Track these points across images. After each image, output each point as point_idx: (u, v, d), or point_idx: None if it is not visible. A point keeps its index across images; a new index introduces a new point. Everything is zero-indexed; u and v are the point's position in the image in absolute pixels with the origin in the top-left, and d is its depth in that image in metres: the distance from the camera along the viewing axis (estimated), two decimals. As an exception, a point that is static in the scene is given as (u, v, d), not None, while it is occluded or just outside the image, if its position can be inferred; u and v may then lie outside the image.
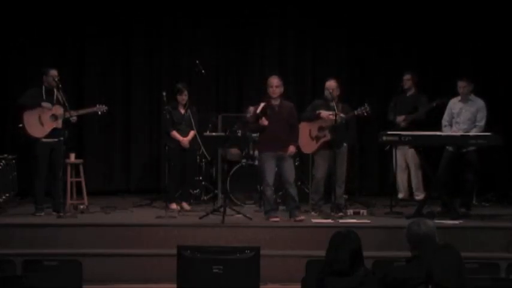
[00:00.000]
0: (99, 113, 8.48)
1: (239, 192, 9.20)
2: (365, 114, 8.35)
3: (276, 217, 7.88)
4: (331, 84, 8.46)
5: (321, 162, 8.46)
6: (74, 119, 8.21)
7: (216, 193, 9.37)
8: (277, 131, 7.87)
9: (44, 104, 8.09)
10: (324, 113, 8.34)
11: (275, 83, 7.96)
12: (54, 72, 8.15)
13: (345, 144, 8.52)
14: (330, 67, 10.51)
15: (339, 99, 8.49)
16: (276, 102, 7.98)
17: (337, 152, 8.36)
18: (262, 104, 7.97)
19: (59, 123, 8.15)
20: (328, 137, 8.38)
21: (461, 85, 8.42)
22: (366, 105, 8.32)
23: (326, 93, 8.43)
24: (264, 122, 7.91)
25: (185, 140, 8.67)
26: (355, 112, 8.33)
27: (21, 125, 8.11)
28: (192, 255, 5.71)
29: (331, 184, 8.47)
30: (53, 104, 8.14)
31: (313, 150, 8.50)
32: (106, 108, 8.49)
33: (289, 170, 7.92)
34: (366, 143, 10.47)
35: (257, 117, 7.97)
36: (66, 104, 8.14)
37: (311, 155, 8.81)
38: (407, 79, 9.39)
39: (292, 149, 7.95)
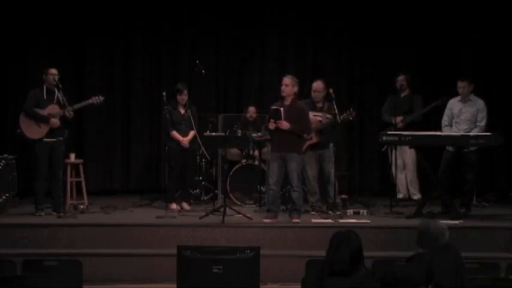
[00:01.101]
0: (96, 103, 8.40)
1: (239, 192, 9.21)
2: (350, 118, 8.37)
3: (268, 218, 7.86)
4: (318, 85, 8.47)
5: (309, 162, 8.47)
6: (70, 114, 8.19)
7: (216, 193, 9.37)
8: (283, 132, 7.82)
9: (52, 121, 8.07)
10: (310, 115, 8.34)
11: (284, 82, 7.89)
12: (53, 71, 8.15)
13: (331, 145, 8.52)
14: (330, 67, 10.52)
15: (325, 99, 8.48)
16: (286, 103, 7.92)
17: (324, 152, 8.39)
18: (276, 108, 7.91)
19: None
20: (314, 139, 8.38)
21: (461, 85, 8.43)
22: (352, 109, 8.34)
23: (313, 94, 8.44)
24: (271, 125, 7.87)
25: (185, 140, 8.67)
26: (341, 117, 8.30)
27: (19, 131, 8.13)
28: (192, 255, 5.71)
29: (324, 184, 8.49)
30: (53, 103, 8.16)
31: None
32: (102, 98, 8.39)
33: (291, 173, 7.81)
34: (366, 143, 10.47)
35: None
36: (66, 104, 8.14)
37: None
38: (401, 80, 9.40)
39: (284, 123, 7.73)
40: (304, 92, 8.98)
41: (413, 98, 9.40)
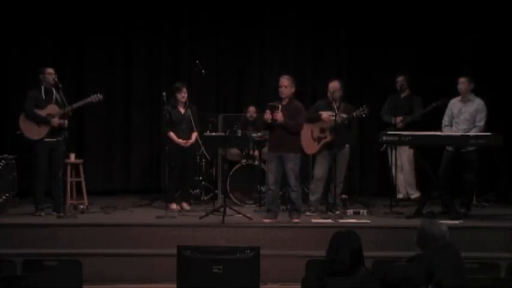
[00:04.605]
0: (95, 102, 8.36)
1: (239, 192, 9.21)
2: (363, 115, 8.34)
3: (268, 218, 7.86)
4: (334, 85, 8.44)
5: (321, 162, 8.46)
6: (69, 113, 8.19)
7: (216, 193, 9.37)
8: (279, 132, 7.82)
9: (54, 121, 8.09)
10: (325, 114, 8.34)
11: (284, 83, 7.88)
12: (50, 71, 8.15)
13: (347, 146, 8.50)
14: (330, 67, 10.52)
15: (342, 99, 8.48)
16: (283, 103, 7.90)
17: (339, 152, 8.35)
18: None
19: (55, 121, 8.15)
20: (329, 138, 8.37)
21: (462, 81, 8.41)
22: (364, 106, 8.32)
23: (329, 94, 8.41)
24: (267, 115, 7.78)
25: (188, 143, 8.67)
26: (354, 114, 8.32)
27: (18, 132, 8.14)
28: (192, 255, 5.71)
29: (329, 184, 8.48)
30: (53, 103, 8.16)
31: (315, 151, 8.49)
32: (101, 96, 8.38)
33: (288, 173, 7.81)
34: (366, 143, 10.46)
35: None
36: (66, 104, 8.15)
37: (311, 156, 8.79)
38: (400, 80, 9.40)
39: (280, 114, 7.72)
40: (305, 91, 9.02)
41: (413, 99, 9.41)
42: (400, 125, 9.12)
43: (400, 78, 9.40)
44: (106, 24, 10.39)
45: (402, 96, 9.42)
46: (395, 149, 9.15)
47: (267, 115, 7.79)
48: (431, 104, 9.06)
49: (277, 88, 8.04)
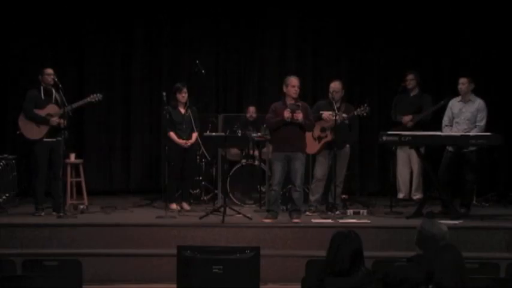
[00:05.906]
0: (94, 101, 8.36)
1: (239, 192, 9.21)
2: (364, 114, 8.34)
3: (268, 218, 7.85)
4: (335, 85, 8.45)
5: (322, 161, 8.46)
6: (69, 113, 8.21)
7: (216, 193, 9.37)
8: (287, 132, 7.81)
9: (53, 120, 8.09)
10: (326, 114, 8.34)
11: (297, 84, 7.88)
12: (49, 71, 8.15)
13: (347, 145, 8.50)
14: (330, 67, 10.52)
15: (343, 99, 8.48)
16: (290, 102, 7.88)
17: (339, 152, 8.35)
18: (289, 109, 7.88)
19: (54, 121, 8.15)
20: (329, 137, 8.37)
21: (462, 81, 8.40)
22: (366, 105, 8.32)
23: (330, 95, 8.41)
24: (287, 113, 7.76)
25: (188, 143, 8.66)
26: (355, 112, 8.33)
27: (18, 132, 8.14)
28: (192, 255, 5.71)
29: (329, 184, 8.47)
30: (52, 103, 8.16)
31: (315, 150, 8.49)
32: (101, 96, 8.37)
33: (296, 172, 7.78)
34: (366, 143, 10.46)
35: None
36: (66, 104, 8.15)
37: (311, 156, 8.78)
38: (410, 79, 9.35)
39: (301, 114, 7.74)
40: (306, 92, 8.97)
41: (422, 97, 9.34)
42: (409, 124, 9.09)
43: (410, 76, 9.34)
44: (106, 24, 10.39)
45: (412, 95, 9.38)
46: (397, 148, 9.14)
47: (287, 114, 7.77)
48: (439, 103, 8.99)
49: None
